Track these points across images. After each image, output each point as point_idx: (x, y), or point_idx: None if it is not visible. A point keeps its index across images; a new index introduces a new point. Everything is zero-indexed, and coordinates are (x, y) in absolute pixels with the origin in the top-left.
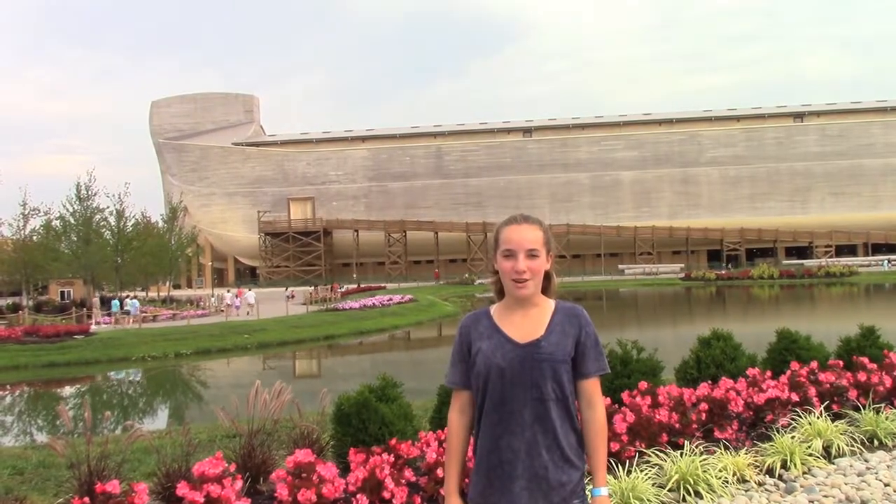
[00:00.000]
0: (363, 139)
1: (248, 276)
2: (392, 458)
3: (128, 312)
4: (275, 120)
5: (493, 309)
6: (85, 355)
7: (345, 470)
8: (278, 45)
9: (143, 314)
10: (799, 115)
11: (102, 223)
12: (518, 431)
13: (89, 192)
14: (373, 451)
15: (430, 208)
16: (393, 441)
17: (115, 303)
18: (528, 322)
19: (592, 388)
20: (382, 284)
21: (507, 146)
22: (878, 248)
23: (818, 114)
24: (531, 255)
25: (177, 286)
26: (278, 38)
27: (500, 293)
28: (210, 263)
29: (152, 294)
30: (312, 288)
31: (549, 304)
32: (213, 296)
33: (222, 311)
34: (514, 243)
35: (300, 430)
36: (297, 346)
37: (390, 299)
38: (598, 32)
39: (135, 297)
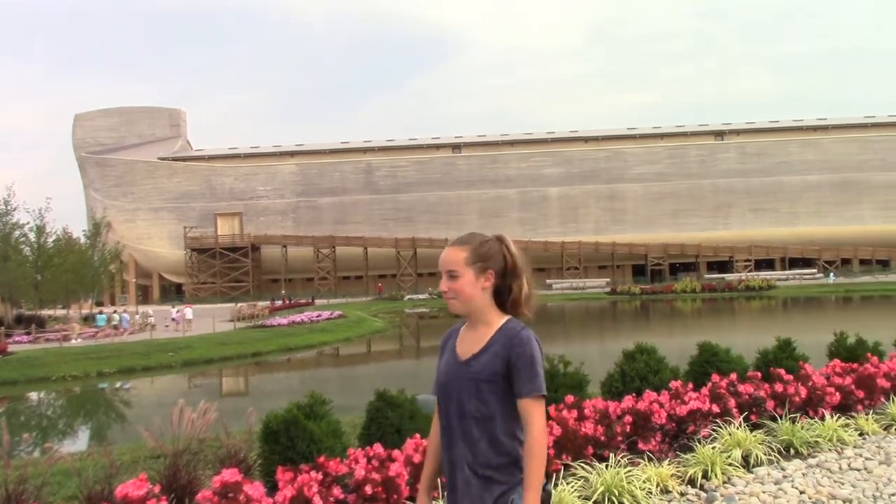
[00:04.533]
0: (292, 154)
1: (173, 292)
2: (320, 476)
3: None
4: (203, 135)
5: (464, 325)
6: (2, 375)
7: (272, 489)
8: (209, 61)
9: (63, 331)
10: (720, 134)
11: (22, 239)
12: (450, 445)
13: (8, 208)
14: (301, 468)
15: (360, 224)
16: (321, 458)
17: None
18: (474, 340)
19: (526, 408)
20: (313, 300)
21: (436, 162)
22: (794, 263)
23: (738, 132)
24: (451, 275)
25: (99, 303)
26: (209, 54)
27: None
28: (134, 280)
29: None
30: (269, 302)
31: (499, 324)
32: (137, 313)
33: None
34: (440, 264)
35: (227, 449)
36: (224, 364)
37: (319, 315)
38: (529, 51)
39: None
